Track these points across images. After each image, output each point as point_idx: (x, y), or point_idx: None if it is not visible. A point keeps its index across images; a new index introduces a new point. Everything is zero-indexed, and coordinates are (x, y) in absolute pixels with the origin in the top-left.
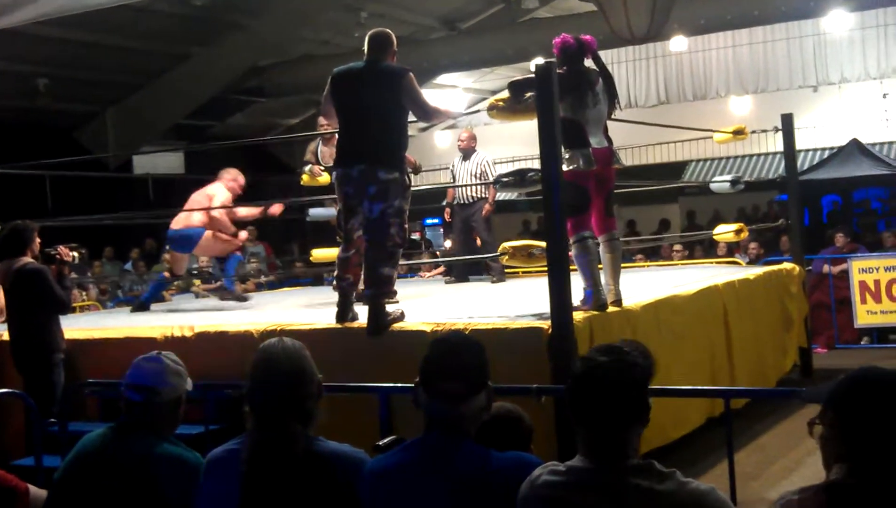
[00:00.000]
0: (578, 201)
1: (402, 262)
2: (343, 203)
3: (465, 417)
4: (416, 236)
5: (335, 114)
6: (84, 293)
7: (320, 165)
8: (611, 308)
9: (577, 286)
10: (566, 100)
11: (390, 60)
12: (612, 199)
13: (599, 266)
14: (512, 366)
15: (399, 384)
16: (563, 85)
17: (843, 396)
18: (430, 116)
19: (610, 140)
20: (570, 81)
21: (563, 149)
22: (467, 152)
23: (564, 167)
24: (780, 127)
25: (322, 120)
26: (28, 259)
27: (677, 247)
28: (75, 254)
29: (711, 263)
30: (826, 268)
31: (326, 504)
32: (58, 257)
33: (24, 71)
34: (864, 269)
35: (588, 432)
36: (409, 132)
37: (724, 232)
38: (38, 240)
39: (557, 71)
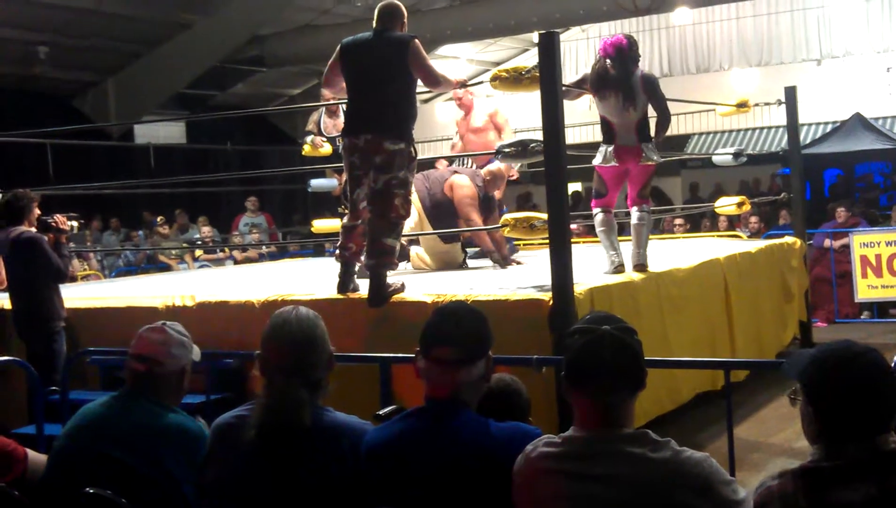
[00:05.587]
0: (597, 188)
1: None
2: (349, 173)
3: (463, 385)
4: None
5: (339, 84)
6: (85, 263)
7: (323, 135)
8: (626, 276)
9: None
10: (597, 99)
11: (400, 31)
12: (647, 188)
13: (627, 239)
14: (513, 338)
15: (400, 355)
16: (591, 85)
17: (812, 375)
18: (437, 82)
19: (644, 139)
20: (594, 82)
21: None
22: None
23: (594, 161)
24: (783, 100)
25: (325, 92)
26: (25, 228)
27: (679, 220)
28: (73, 223)
29: (713, 236)
30: (827, 242)
31: (332, 474)
32: (54, 225)
33: (24, 38)
34: (865, 243)
35: (587, 402)
36: None
37: (726, 205)
38: (37, 211)
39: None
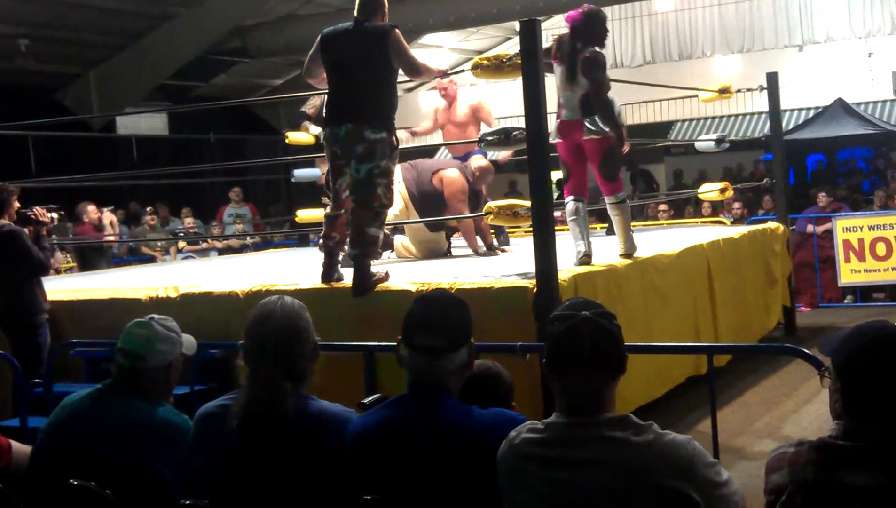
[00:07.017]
0: (563, 172)
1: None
2: (331, 163)
3: (446, 372)
4: None
5: (320, 74)
6: (68, 256)
7: (322, 119)
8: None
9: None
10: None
11: (380, 21)
12: (609, 164)
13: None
14: (497, 325)
15: (383, 343)
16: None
17: (841, 350)
18: (418, 71)
19: (588, 113)
20: (555, 53)
21: None
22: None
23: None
24: (765, 86)
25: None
26: (4, 221)
27: (662, 207)
28: (53, 215)
29: (696, 222)
30: (810, 227)
31: (315, 462)
32: (34, 217)
33: (4, 31)
34: (847, 228)
35: (568, 387)
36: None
37: (709, 191)
38: (16, 204)
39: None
